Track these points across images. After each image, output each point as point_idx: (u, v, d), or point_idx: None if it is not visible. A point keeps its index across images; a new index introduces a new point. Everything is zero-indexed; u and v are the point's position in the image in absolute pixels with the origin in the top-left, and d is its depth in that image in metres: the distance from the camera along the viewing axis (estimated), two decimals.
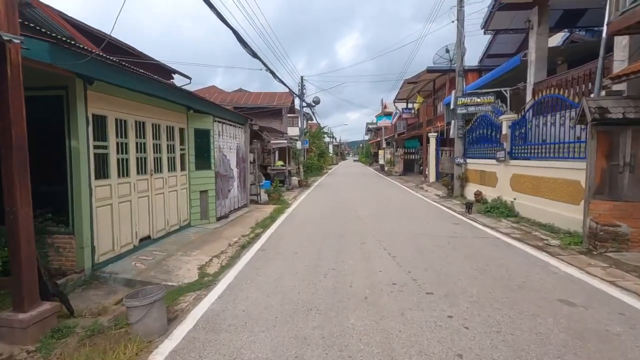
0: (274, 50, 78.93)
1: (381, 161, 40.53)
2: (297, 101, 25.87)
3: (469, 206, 9.73)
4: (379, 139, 50.78)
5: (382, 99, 41.84)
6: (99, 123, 4.85)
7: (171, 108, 6.68)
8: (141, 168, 5.80)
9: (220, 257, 5.79)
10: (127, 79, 4.85)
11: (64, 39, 8.75)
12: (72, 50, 3.73)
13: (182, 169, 7.27)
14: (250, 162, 11.76)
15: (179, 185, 7.07)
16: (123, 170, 5.33)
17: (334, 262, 5.38)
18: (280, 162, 16.71)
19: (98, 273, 4.69)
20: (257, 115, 26.04)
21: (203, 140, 7.85)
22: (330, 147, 59.70)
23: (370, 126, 60.72)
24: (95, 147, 4.75)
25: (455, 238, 6.89)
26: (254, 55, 10.12)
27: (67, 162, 4.44)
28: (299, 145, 16.93)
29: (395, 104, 30.88)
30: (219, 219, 8.39)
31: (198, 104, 7.42)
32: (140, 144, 5.78)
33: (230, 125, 9.34)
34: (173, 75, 21.86)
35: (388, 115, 34.62)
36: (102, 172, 4.89)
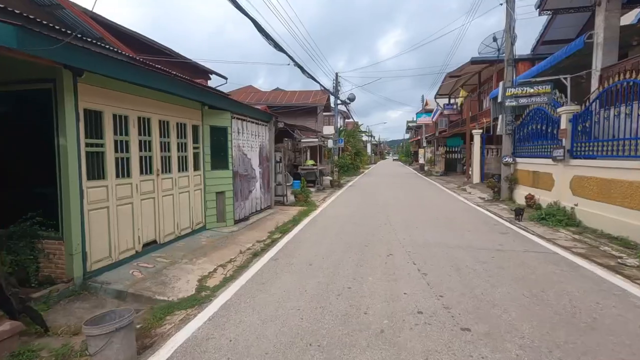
0: (307, 47, 78.84)
1: (421, 160, 38.71)
2: (333, 99, 25.18)
3: (518, 212, 8.44)
4: (419, 138, 48.67)
5: (422, 96, 39.99)
6: (94, 119, 4.46)
7: (182, 104, 6.26)
8: (146, 168, 5.40)
9: (226, 266, 5.24)
10: (119, 70, 4.41)
11: (94, 41, 8.76)
12: (43, 35, 3.30)
13: (196, 168, 6.84)
14: (277, 162, 11.25)
15: (191, 186, 6.64)
16: (123, 170, 4.94)
17: (352, 279, 4.60)
18: (311, 162, 16.10)
19: (89, 282, 4.30)
20: (291, 114, 25.74)
21: (220, 139, 7.39)
22: (368, 146, 58.36)
23: (410, 124, 58.54)
24: (88, 145, 4.36)
25: (502, 252, 5.80)
26: (278, 47, 9.56)
27: (57, 161, 4.08)
28: (330, 143, 16.21)
29: (437, 100, 29.12)
30: (237, 221, 7.91)
31: (213, 99, 6.96)
32: (145, 142, 5.38)
33: (252, 122, 8.84)
34: (210, 75, 22.19)
35: (428, 112, 32.82)
36: (96, 172, 4.51)
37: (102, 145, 4.58)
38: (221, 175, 7.41)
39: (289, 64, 11.75)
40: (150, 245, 5.54)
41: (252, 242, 6.56)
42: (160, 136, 5.73)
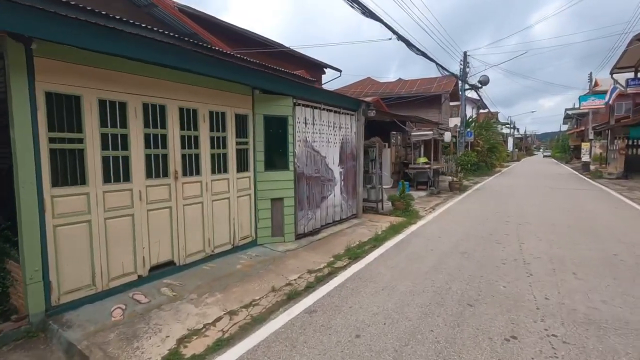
0: (426, 24, 71.50)
1: (584, 157, 29.91)
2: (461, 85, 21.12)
3: None
4: (582, 128, 38.09)
5: (590, 74, 30.70)
6: (66, 106, 3.40)
7: (218, 87, 4.89)
8: (157, 169, 4.21)
9: (238, 314, 3.60)
10: (86, 37, 3.18)
11: (185, 38, 8.45)
12: None
13: (242, 169, 5.44)
14: (371, 160, 9.16)
15: (233, 192, 5.27)
16: (117, 173, 3.82)
17: None
18: (423, 159, 13.28)
19: (50, 322, 3.27)
20: (410, 105, 22.84)
21: (277, 131, 5.82)
22: (509, 140, 49.33)
23: (570, 112, 46.89)
24: (54, 140, 3.31)
25: None
26: (369, 13, 7.42)
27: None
28: (447, 137, 13.00)
29: (614, 76, 21.45)
30: (301, 236, 6.25)
31: (266, 81, 5.41)
32: (156, 136, 4.18)
33: (329, 110, 7.02)
34: (325, 69, 21.47)
35: (600, 94, 24.67)
36: (70, 176, 3.45)
37: (80, 141, 3.51)
38: (278, 177, 5.86)
39: (390, 39, 9.43)
40: (166, 268, 4.36)
41: (302, 271, 4.77)
42: (182, 128, 4.47)
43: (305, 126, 6.32)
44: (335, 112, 7.22)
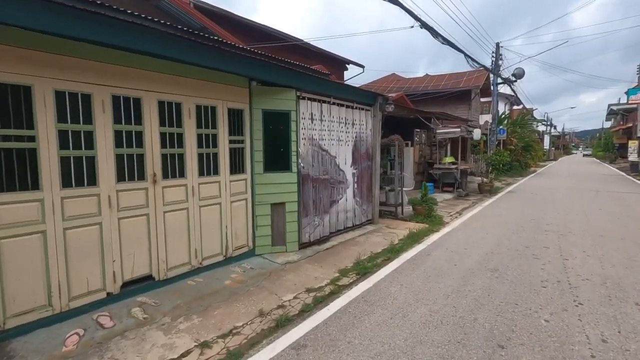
0: (457, 14, 68.43)
1: (632, 156, 27.41)
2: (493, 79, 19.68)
3: None
4: (629, 125, 35.05)
5: (639, 65, 28.08)
6: (15, 98, 2.92)
7: (206, 77, 4.32)
8: (130, 171, 3.68)
9: (212, 347, 2.99)
10: (36, 17, 2.66)
11: (195, 31, 8.02)
12: None
13: (237, 170, 4.85)
14: (389, 159, 8.37)
15: (226, 196, 4.69)
16: (80, 176, 3.31)
17: None
18: (450, 158, 12.25)
19: None
20: (437, 101, 21.62)
21: (278, 128, 5.19)
22: (546, 138, 46.40)
23: (614, 108, 43.44)
24: None
25: None
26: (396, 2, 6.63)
27: None
28: (476, 134, 11.89)
29: None
30: (305, 245, 5.61)
31: (264, 70, 4.79)
32: (129, 133, 3.65)
33: (341, 105, 6.31)
34: (347, 65, 20.73)
35: None
36: (18, 179, 2.97)
37: (32, 139, 3.02)
38: (279, 179, 5.23)
39: (412, 27, 8.57)
40: (142, 283, 3.84)
41: (299, 290, 4.12)
42: (163, 125, 3.93)
43: (312, 122, 5.65)
44: (347, 107, 6.50)
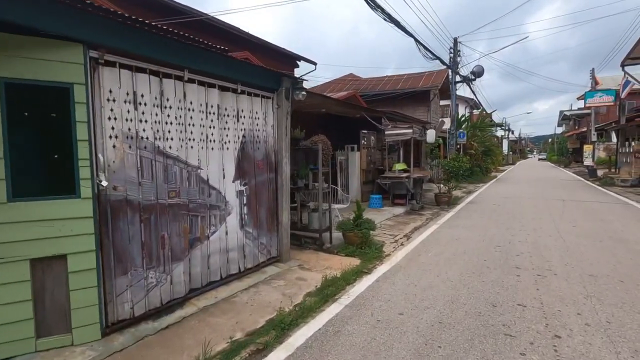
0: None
1: (587, 161, 27.25)
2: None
3: None
4: (582, 130, 35.60)
5: (592, 70, 28.07)
6: None
7: None
8: None
9: None
10: None
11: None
12: None
13: None
14: (311, 169, 6.13)
15: None
16: None
17: None
18: (401, 165, 10.28)
19: None
20: (395, 103, 19.77)
21: (47, 116, 2.77)
22: (504, 142, 46.79)
23: (567, 113, 44.50)
24: None
25: None
26: None
27: None
28: (430, 136, 10.00)
29: (625, 68, 18.71)
30: (124, 324, 3.18)
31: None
32: None
33: (212, 86, 3.99)
34: (298, 62, 18.57)
35: (610, 90, 21.90)
36: None
37: None
38: (51, 212, 2.78)
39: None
40: None
41: None
42: None
43: (137, 109, 3.26)
44: (224, 89, 4.18)
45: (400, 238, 6.85)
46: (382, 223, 8.00)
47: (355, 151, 10.75)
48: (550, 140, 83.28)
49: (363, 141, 10.89)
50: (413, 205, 10.06)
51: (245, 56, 10.21)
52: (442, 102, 26.37)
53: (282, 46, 16.15)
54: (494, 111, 28.59)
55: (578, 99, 42.57)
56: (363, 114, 10.32)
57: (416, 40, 10.13)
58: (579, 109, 43.79)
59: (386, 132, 9.91)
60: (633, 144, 17.23)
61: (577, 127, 40.02)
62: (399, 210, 9.62)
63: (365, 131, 10.96)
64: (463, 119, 21.15)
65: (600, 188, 16.08)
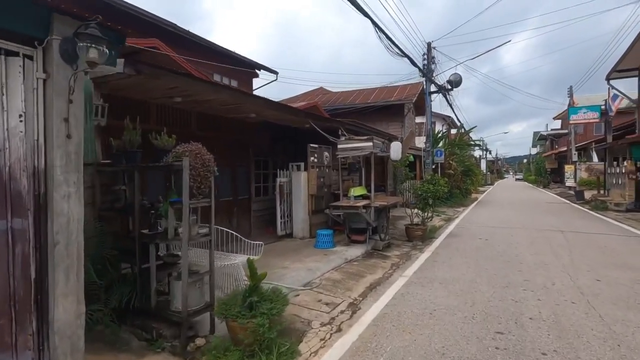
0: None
1: (569, 182, 25.84)
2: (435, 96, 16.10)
3: None
4: (561, 149, 34.60)
5: (570, 88, 27.01)
6: None
7: None
8: None
9: None
10: None
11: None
12: None
13: None
14: (172, 201, 3.44)
15: None
16: None
17: None
18: (361, 190, 7.77)
19: None
20: (367, 118, 17.42)
21: None
22: (482, 162, 45.69)
23: (545, 133, 43.96)
24: None
25: None
26: None
27: None
28: (394, 151, 7.56)
29: (610, 82, 17.30)
30: None
31: None
32: None
33: None
34: (257, 71, 16.34)
35: (595, 106, 20.52)
36: None
37: None
38: None
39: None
40: None
41: None
42: None
43: None
44: None
45: (342, 312, 4.22)
46: (322, 278, 5.37)
47: (301, 171, 8.19)
48: (525, 160, 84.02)
49: (312, 158, 8.34)
50: (375, 243, 7.50)
51: (153, 44, 7.68)
52: (418, 120, 24.50)
53: (237, 52, 13.87)
54: (474, 127, 26.96)
55: (554, 118, 42.18)
56: (310, 122, 7.82)
57: (374, 23, 7.86)
58: (553, 129, 43.40)
59: (339, 146, 7.41)
60: (625, 163, 15.50)
61: (555, 147, 39.15)
62: (356, 251, 7.02)
63: (315, 145, 8.45)
64: (440, 135, 19.15)
65: (593, 213, 14.14)
